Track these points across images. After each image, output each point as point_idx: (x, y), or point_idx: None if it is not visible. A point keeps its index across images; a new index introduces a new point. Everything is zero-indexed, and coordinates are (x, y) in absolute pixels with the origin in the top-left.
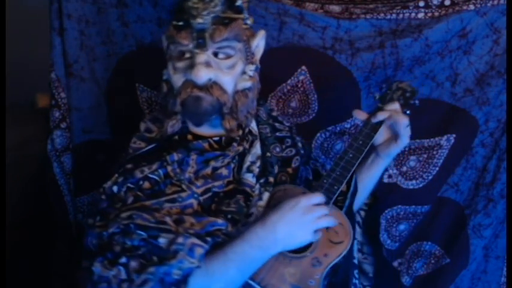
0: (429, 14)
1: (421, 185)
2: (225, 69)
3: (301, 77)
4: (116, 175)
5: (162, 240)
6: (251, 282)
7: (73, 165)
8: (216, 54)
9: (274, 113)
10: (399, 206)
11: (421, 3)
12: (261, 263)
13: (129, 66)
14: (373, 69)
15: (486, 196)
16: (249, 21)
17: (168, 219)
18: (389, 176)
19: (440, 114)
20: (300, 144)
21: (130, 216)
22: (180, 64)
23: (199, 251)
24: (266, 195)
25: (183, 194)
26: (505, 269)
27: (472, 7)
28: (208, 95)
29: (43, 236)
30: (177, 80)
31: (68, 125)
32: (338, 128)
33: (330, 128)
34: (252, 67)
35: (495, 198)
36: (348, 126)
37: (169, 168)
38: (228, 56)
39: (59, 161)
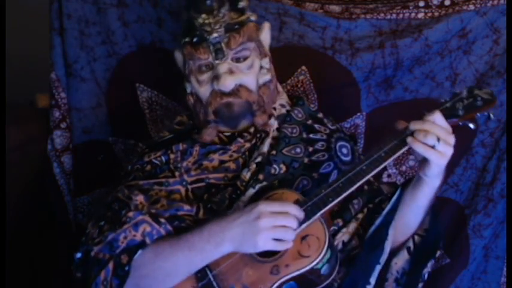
0: (429, 14)
1: None
2: (245, 71)
3: (301, 77)
4: (137, 157)
5: (123, 212)
6: (207, 270)
7: (73, 165)
8: (236, 60)
9: (320, 115)
10: None
11: (421, 3)
12: (212, 257)
13: (129, 66)
14: (373, 69)
15: (486, 196)
16: (253, 18)
17: (139, 197)
18: (389, 176)
19: None
20: (344, 150)
21: (118, 190)
22: (204, 77)
23: (145, 228)
24: (250, 192)
25: (171, 180)
26: (505, 269)
27: (472, 7)
28: (237, 99)
29: (43, 235)
30: (205, 91)
31: (68, 125)
32: None
33: None
34: (266, 59)
35: (495, 198)
36: (348, 126)
37: (172, 156)
38: (246, 58)
39: (59, 161)
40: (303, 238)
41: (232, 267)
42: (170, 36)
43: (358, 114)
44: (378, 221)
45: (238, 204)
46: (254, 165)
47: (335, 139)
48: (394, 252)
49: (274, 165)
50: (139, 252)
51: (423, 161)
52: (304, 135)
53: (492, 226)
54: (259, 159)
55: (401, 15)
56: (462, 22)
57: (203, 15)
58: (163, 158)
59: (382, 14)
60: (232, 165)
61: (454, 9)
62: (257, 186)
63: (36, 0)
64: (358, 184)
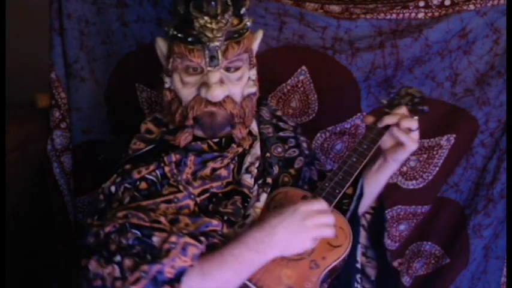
0: (429, 14)
1: (421, 185)
2: (235, 81)
3: (301, 77)
4: (115, 175)
5: (156, 239)
6: (247, 282)
7: (73, 165)
8: (226, 69)
9: (279, 113)
10: (399, 206)
11: (421, 3)
12: (258, 266)
13: (129, 66)
14: (373, 69)
15: (486, 196)
16: (249, 24)
17: (162, 219)
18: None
19: (440, 114)
20: (304, 145)
21: (126, 215)
22: (190, 79)
23: (192, 250)
24: (264, 197)
25: (180, 195)
26: (505, 269)
27: (472, 7)
28: (222, 110)
29: (43, 236)
30: (187, 94)
31: (68, 125)
32: (338, 128)
33: (329, 128)
34: (254, 71)
35: (495, 198)
36: (348, 126)
37: (166, 168)
38: (237, 68)
39: (59, 161)
40: None
41: (267, 272)
42: None
43: (358, 114)
44: (352, 207)
45: (255, 210)
46: (255, 171)
47: (299, 134)
48: None
49: (273, 167)
50: (184, 279)
51: (395, 147)
52: (276, 134)
53: (492, 226)
54: (257, 163)
55: (401, 15)
56: (462, 22)
57: (206, 18)
58: (158, 173)
59: (382, 14)
60: (223, 172)
61: (454, 9)
62: (268, 190)
63: (36, 0)
64: (355, 175)
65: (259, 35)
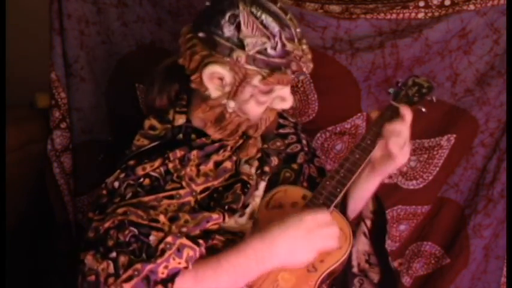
0: (429, 14)
1: (421, 185)
2: None
3: (301, 77)
4: (118, 171)
5: (152, 238)
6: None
7: (73, 165)
8: None
9: None
10: (399, 206)
11: (421, 3)
12: (256, 275)
13: (129, 66)
14: (373, 69)
15: (486, 196)
16: None
17: (161, 217)
18: (390, 177)
19: (441, 114)
20: (304, 142)
21: (125, 212)
22: (267, 98)
23: (188, 252)
24: (262, 185)
25: (182, 192)
26: (505, 269)
27: (472, 7)
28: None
29: (43, 236)
30: (260, 111)
31: (68, 125)
32: (338, 128)
33: (330, 128)
34: None
35: (495, 198)
36: (348, 126)
37: (170, 165)
38: None
39: (59, 161)
40: None
41: (267, 276)
42: (170, 36)
43: (358, 114)
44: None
45: (254, 199)
46: (256, 162)
47: (299, 131)
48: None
49: (272, 158)
50: (178, 281)
51: (384, 158)
52: (275, 131)
53: (492, 226)
54: (259, 154)
55: (401, 15)
56: (462, 22)
57: (304, 47)
58: (162, 170)
59: (382, 14)
60: (228, 165)
61: (454, 9)
62: (266, 179)
63: (36, 0)
64: (357, 172)
65: None
